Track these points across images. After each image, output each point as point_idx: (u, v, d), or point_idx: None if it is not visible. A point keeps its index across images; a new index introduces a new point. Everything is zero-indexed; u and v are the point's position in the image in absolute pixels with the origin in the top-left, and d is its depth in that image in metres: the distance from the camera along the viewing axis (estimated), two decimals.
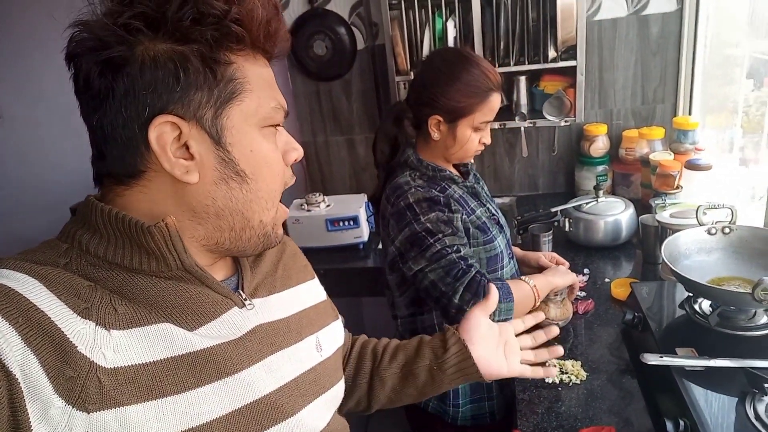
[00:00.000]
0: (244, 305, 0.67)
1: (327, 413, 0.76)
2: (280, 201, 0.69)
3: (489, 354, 0.88)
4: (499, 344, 0.91)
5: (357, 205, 2.09)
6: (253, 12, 0.59)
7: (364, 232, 2.09)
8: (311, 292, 0.83)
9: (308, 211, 2.10)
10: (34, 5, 1.69)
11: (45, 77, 1.66)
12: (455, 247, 1.23)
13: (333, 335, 0.83)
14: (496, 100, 1.30)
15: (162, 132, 0.57)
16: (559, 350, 0.94)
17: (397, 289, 1.39)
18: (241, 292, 0.68)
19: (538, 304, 1.29)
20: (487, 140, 1.35)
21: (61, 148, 1.73)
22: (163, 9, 0.55)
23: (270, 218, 0.66)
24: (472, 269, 1.22)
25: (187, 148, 0.58)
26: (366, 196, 2.19)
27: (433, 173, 1.33)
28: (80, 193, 0.65)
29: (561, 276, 1.36)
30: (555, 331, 0.98)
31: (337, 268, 2.05)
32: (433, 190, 1.29)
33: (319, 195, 2.14)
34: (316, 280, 0.87)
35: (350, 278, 2.06)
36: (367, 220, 2.12)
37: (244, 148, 0.61)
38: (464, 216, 1.30)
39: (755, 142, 1.94)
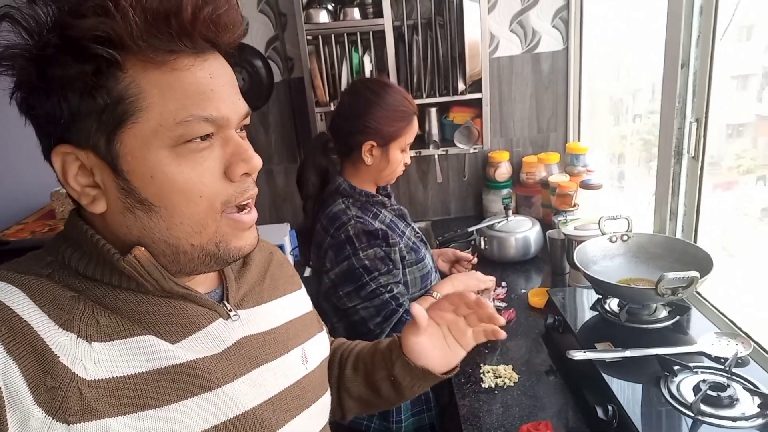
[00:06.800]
0: (230, 317, 0.66)
1: (314, 427, 0.75)
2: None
3: (438, 354, 0.85)
4: (445, 338, 0.86)
5: (281, 234, 2.10)
6: (127, 15, 0.51)
7: (290, 260, 2.10)
8: (298, 302, 0.82)
9: None
10: None
11: None
12: (389, 287, 1.32)
13: (319, 346, 0.82)
14: (416, 123, 1.44)
15: (65, 161, 0.55)
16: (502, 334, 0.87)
17: (334, 315, 1.42)
18: (226, 303, 0.67)
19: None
20: (408, 160, 1.47)
21: None
22: (33, 39, 0.52)
23: (206, 239, 0.59)
24: (400, 309, 1.32)
25: (94, 176, 0.56)
26: (289, 225, 2.20)
27: (365, 199, 1.40)
28: None
29: (464, 281, 1.50)
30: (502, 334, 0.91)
31: None
32: (370, 221, 1.35)
33: None
34: (303, 290, 0.86)
35: None
36: (291, 253, 2.13)
37: (144, 175, 0.55)
38: (400, 243, 1.38)
39: (620, 171, 2.23)
